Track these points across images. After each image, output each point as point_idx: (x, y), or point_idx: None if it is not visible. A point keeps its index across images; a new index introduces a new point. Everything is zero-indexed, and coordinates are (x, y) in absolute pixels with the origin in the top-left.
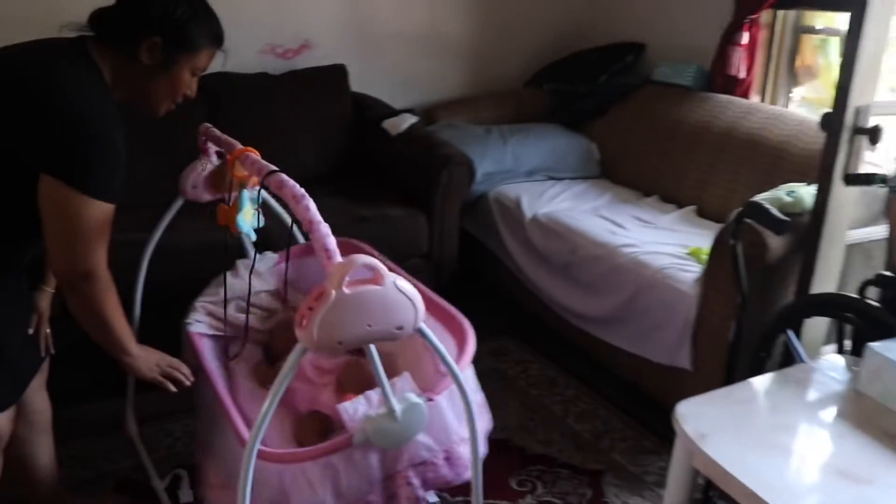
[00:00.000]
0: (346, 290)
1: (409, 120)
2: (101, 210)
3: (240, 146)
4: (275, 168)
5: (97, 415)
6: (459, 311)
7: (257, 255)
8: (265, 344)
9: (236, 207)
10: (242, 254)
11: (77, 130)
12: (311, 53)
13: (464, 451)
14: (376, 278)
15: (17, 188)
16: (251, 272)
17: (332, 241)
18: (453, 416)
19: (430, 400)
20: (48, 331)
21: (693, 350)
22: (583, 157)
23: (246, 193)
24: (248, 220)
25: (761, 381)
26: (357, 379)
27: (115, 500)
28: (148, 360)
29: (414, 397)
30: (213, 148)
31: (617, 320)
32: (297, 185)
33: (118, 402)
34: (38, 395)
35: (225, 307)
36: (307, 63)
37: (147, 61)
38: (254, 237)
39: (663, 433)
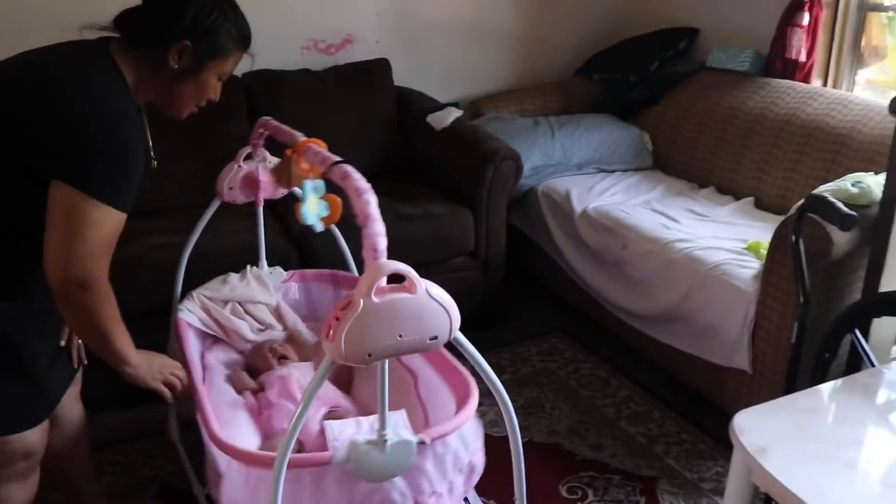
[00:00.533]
0: (374, 299)
1: (454, 114)
2: (111, 217)
3: (303, 137)
4: (339, 158)
5: (139, 420)
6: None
7: (268, 269)
8: (248, 357)
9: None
10: (254, 260)
11: (93, 135)
12: (354, 48)
13: None
14: (408, 285)
15: (38, 199)
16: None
17: (382, 242)
18: (434, 467)
19: (423, 443)
20: (80, 341)
21: (751, 351)
22: (634, 148)
23: (308, 184)
24: (312, 210)
25: (826, 389)
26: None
27: None
28: (150, 367)
29: (408, 434)
30: (262, 145)
31: (670, 319)
32: (362, 178)
33: (160, 408)
34: (72, 407)
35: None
36: (350, 58)
37: (175, 66)
38: (320, 228)
39: (720, 436)
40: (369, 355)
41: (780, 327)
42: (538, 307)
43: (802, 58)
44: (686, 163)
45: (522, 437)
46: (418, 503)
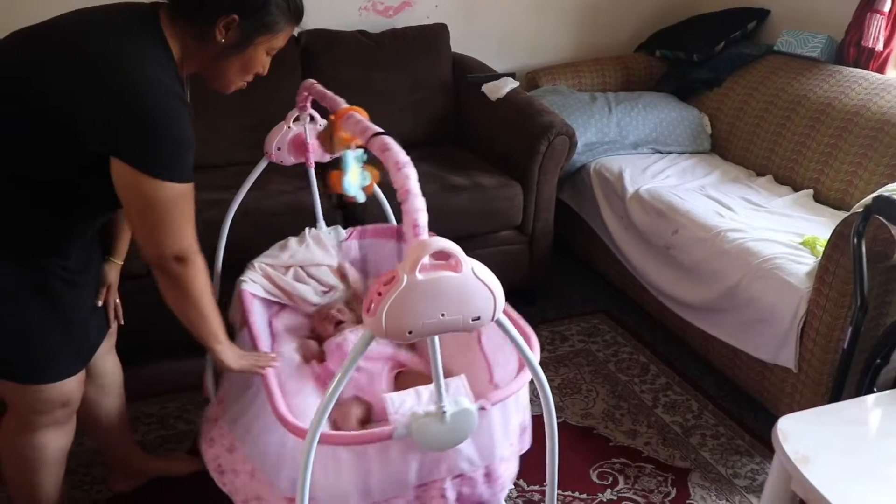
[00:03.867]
0: (419, 276)
1: (510, 84)
2: (175, 191)
3: (345, 104)
4: (380, 129)
5: (176, 374)
6: (525, 320)
7: (327, 228)
8: (311, 322)
9: (340, 169)
10: (306, 222)
11: (141, 113)
12: (413, 11)
13: (504, 470)
14: (454, 264)
15: (77, 161)
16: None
17: (423, 217)
18: (502, 431)
19: (483, 409)
20: (118, 301)
21: (799, 350)
22: (693, 130)
23: (350, 154)
24: (354, 182)
25: (874, 400)
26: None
27: (187, 462)
28: (235, 351)
29: (467, 402)
30: (309, 107)
31: (717, 309)
32: (402, 151)
33: (197, 362)
34: (107, 359)
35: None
36: (408, 21)
37: (222, 39)
38: (362, 198)
39: (758, 433)
40: (409, 332)
41: (830, 328)
42: (582, 286)
43: (879, 46)
44: (745, 149)
45: (556, 418)
46: (489, 468)
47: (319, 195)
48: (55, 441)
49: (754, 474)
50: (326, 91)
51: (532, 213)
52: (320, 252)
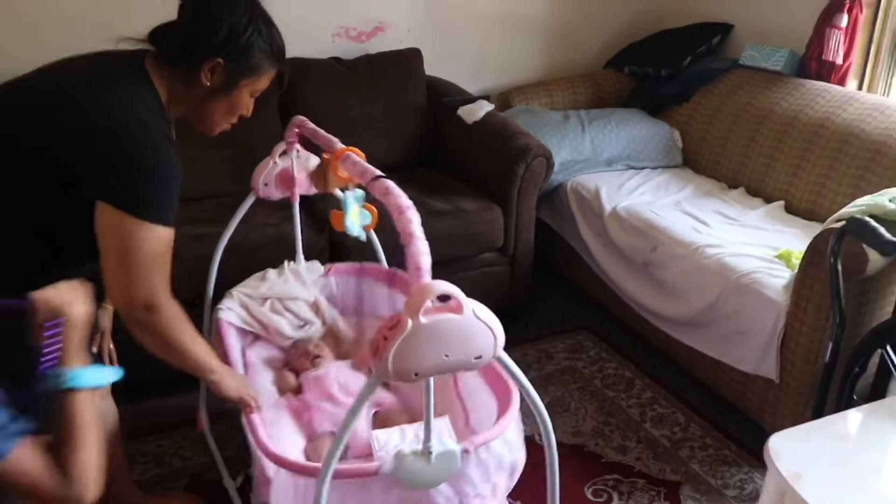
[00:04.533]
0: (423, 319)
1: (486, 107)
2: (158, 235)
3: (340, 145)
4: (380, 173)
5: (170, 410)
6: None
7: (305, 262)
8: (286, 355)
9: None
10: (291, 255)
11: (129, 154)
12: (385, 36)
13: None
14: (455, 306)
15: (66, 205)
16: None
17: (426, 260)
18: (478, 472)
19: (467, 451)
20: (111, 346)
21: (779, 360)
22: (664, 145)
23: (350, 195)
24: (355, 221)
25: (861, 413)
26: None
27: (185, 500)
28: (233, 378)
29: (452, 443)
30: (297, 143)
31: (698, 323)
32: (404, 195)
33: (191, 398)
34: (103, 404)
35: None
36: (380, 46)
37: (207, 83)
38: (364, 238)
39: (744, 442)
40: (416, 374)
41: (809, 339)
42: (563, 303)
43: (839, 60)
44: (716, 162)
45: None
46: None
47: (301, 229)
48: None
49: (743, 483)
50: (318, 129)
51: (513, 234)
52: (298, 286)
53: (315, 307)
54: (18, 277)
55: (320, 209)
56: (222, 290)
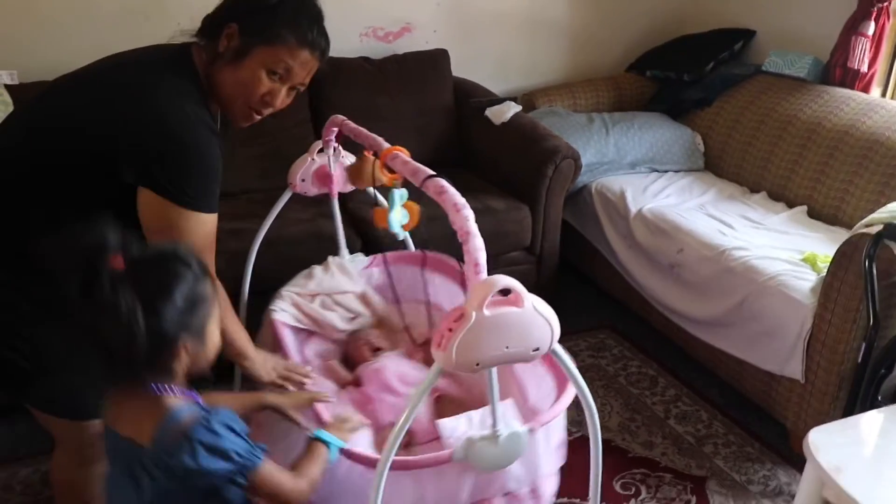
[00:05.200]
0: (486, 312)
1: (513, 108)
2: (201, 222)
3: (386, 144)
4: (432, 172)
5: None
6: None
7: (349, 255)
8: (344, 347)
9: (387, 207)
10: (335, 250)
11: (172, 143)
12: (412, 36)
13: (547, 486)
14: (516, 299)
15: (110, 191)
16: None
17: (482, 256)
18: (546, 450)
19: (532, 431)
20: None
21: (805, 361)
22: (687, 149)
23: (396, 193)
24: (398, 219)
25: (894, 412)
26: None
27: None
28: (265, 363)
29: (518, 425)
30: (333, 142)
31: (723, 324)
32: (458, 194)
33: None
34: None
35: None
36: (407, 46)
37: (222, 50)
38: (402, 236)
39: (767, 440)
40: (477, 364)
41: (836, 341)
42: (586, 302)
43: (864, 68)
44: (738, 166)
45: (575, 433)
46: (534, 485)
47: (330, 223)
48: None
49: (767, 480)
50: (361, 128)
51: (540, 234)
52: (345, 279)
53: (364, 299)
54: None
55: (351, 207)
56: (261, 286)
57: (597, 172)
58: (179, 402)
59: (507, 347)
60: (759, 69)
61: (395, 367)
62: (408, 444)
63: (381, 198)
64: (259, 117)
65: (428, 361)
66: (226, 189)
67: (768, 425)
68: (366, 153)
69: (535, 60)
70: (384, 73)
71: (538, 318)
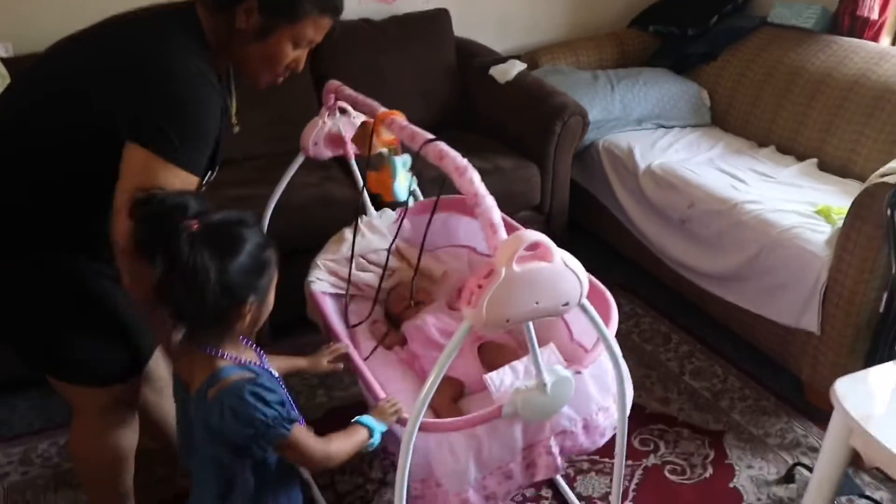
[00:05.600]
0: (515, 268)
1: (518, 67)
2: (182, 180)
3: (382, 109)
4: (432, 136)
5: None
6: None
7: (376, 213)
8: (385, 305)
9: (388, 174)
10: (336, 214)
11: (168, 96)
12: None
13: (601, 419)
14: (544, 254)
15: (109, 160)
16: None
17: (497, 215)
18: (595, 387)
19: (578, 373)
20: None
21: (821, 313)
22: (693, 104)
23: (398, 160)
24: (403, 186)
25: None
26: (499, 359)
27: None
28: (318, 360)
29: (563, 370)
30: (336, 107)
31: (737, 278)
32: (459, 156)
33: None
34: (159, 363)
35: (352, 263)
36: (407, 7)
37: (242, 27)
38: (412, 203)
39: (782, 394)
40: (507, 321)
41: (852, 292)
42: (594, 260)
43: (874, 15)
44: (745, 121)
45: None
46: (587, 420)
47: (336, 186)
48: (125, 439)
49: (783, 433)
50: (357, 94)
51: (549, 192)
52: (376, 238)
53: (398, 253)
54: (76, 229)
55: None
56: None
57: (603, 130)
58: (228, 364)
59: (536, 303)
60: (765, 21)
61: (434, 321)
62: (460, 396)
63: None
64: (282, 80)
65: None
66: (229, 156)
67: (783, 378)
68: (366, 119)
69: (537, 18)
70: (385, 35)
71: (567, 272)
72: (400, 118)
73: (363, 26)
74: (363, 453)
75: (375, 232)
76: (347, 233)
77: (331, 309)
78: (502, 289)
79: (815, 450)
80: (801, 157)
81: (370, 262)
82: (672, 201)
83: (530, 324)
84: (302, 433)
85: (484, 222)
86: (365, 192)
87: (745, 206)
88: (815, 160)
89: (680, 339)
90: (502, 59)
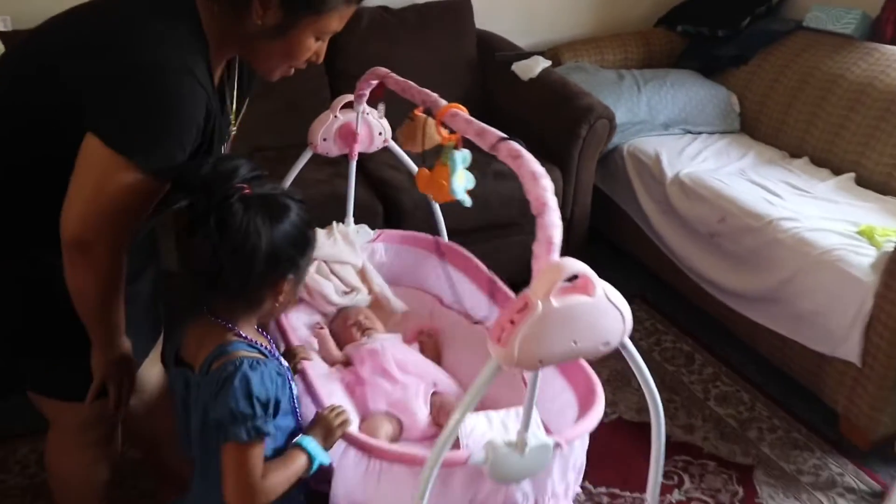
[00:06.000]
0: (554, 302)
1: (542, 64)
2: (139, 181)
3: (443, 101)
4: (505, 135)
5: None
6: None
7: (354, 226)
8: (330, 322)
9: (444, 173)
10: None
11: (133, 85)
12: None
13: None
14: (586, 286)
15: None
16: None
17: (558, 234)
18: (559, 468)
19: (559, 446)
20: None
21: (863, 343)
22: (722, 109)
23: (458, 155)
24: (461, 184)
25: None
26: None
27: None
28: (111, 363)
29: (545, 437)
30: (366, 95)
31: (769, 300)
32: (535, 160)
33: None
34: (151, 371)
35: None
36: None
37: (259, 21)
38: (469, 203)
39: (814, 425)
40: (540, 361)
41: None
42: (614, 270)
43: None
44: (777, 129)
45: (610, 414)
46: (538, 503)
47: (355, 188)
48: (105, 458)
49: (817, 470)
50: (410, 82)
51: (571, 198)
52: (347, 249)
53: (362, 274)
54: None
55: (370, 167)
56: None
57: (628, 133)
58: (239, 340)
59: (574, 342)
60: (800, 25)
61: (393, 351)
62: (396, 437)
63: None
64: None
65: (425, 354)
66: (234, 147)
67: (815, 408)
68: (416, 112)
69: (560, 13)
70: (404, 24)
71: (610, 308)
72: (463, 112)
73: (381, 14)
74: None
75: (348, 243)
76: (320, 233)
77: None
78: (538, 325)
79: (853, 490)
80: (836, 171)
81: (332, 272)
82: (701, 214)
83: (539, 372)
84: (256, 452)
85: (542, 237)
86: (352, 198)
87: (782, 224)
88: (852, 174)
89: (704, 360)
90: (525, 55)
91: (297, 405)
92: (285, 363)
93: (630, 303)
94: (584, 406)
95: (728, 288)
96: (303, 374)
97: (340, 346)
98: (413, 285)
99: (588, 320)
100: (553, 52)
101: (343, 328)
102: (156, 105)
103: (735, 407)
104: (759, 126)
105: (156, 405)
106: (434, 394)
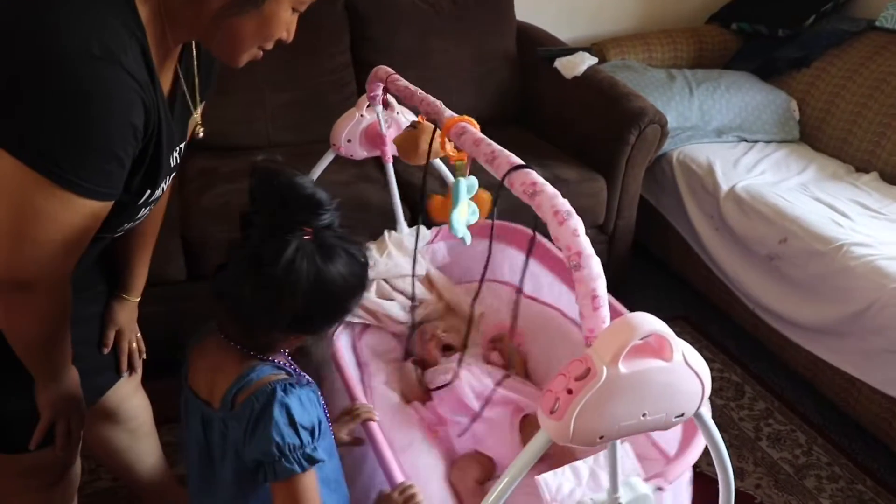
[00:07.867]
0: (622, 369)
1: (588, 61)
2: (73, 208)
3: (449, 112)
4: (519, 161)
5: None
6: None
7: (408, 229)
8: (407, 344)
9: (449, 200)
10: (379, 220)
11: (43, 86)
12: None
13: None
14: (661, 348)
15: None
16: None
17: (602, 286)
18: None
19: (661, 489)
20: (135, 344)
21: None
22: (780, 116)
23: (463, 184)
24: (463, 217)
25: None
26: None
27: None
28: (59, 398)
29: (643, 485)
30: (381, 99)
31: (835, 333)
32: (561, 198)
33: None
34: (132, 400)
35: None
36: None
37: None
38: (469, 241)
39: (881, 477)
40: (601, 438)
41: None
42: (657, 288)
43: None
44: (842, 140)
45: None
46: None
47: (374, 189)
48: (58, 497)
49: None
50: (414, 87)
51: (615, 210)
52: (404, 261)
53: (428, 282)
54: None
55: (398, 169)
56: None
57: (678, 140)
58: (260, 363)
59: (644, 415)
60: (872, 24)
61: (470, 379)
62: (487, 477)
63: (447, 172)
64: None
65: (505, 364)
66: (251, 142)
67: (881, 456)
68: (421, 119)
69: (606, 6)
70: (439, 14)
71: (689, 374)
72: (473, 127)
73: (415, 2)
74: None
75: (405, 252)
76: (372, 248)
77: (341, 343)
78: (601, 395)
79: None
80: None
81: (394, 289)
82: (760, 233)
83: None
84: (312, 483)
85: (583, 291)
86: (398, 202)
87: (853, 250)
88: None
89: (755, 393)
90: (569, 51)
91: (328, 419)
92: (305, 375)
93: (672, 325)
94: (688, 435)
95: (787, 317)
96: (371, 438)
97: (425, 366)
98: (486, 278)
99: (662, 390)
100: (597, 48)
101: (424, 349)
102: (72, 106)
103: (790, 450)
104: (821, 136)
105: (142, 435)
106: (525, 417)
